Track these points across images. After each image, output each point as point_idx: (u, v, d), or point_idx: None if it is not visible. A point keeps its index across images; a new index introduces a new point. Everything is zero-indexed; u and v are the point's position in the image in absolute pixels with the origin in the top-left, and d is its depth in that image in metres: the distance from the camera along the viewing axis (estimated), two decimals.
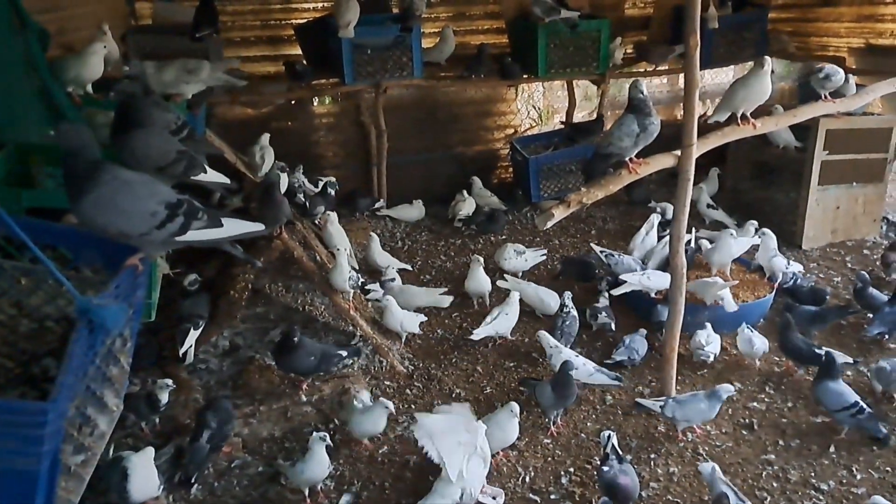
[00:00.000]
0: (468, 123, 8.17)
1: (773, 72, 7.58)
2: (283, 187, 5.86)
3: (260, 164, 5.90)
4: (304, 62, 6.94)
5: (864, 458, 3.88)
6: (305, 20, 7.29)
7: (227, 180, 3.47)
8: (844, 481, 3.73)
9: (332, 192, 6.56)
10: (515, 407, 3.86)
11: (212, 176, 3.28)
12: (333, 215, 6.03)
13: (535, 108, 8.74)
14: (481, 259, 5.52)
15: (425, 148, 7.98)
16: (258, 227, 2.54)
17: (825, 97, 5.17)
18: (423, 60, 6.99)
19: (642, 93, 3.85)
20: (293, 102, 7.63)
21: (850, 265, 6.02)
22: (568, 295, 5.00)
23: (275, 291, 5.59)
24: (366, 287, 5.40)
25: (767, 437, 4.09)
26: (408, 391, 4.71)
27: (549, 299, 5.28)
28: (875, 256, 6.05)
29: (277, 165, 6.07)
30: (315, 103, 7.88)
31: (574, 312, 4.93)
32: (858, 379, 4.52)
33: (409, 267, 6.20)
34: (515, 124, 8.42)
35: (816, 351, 4.43)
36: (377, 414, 4.03)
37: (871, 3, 6.95)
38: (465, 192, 7.26)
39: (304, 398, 4.55)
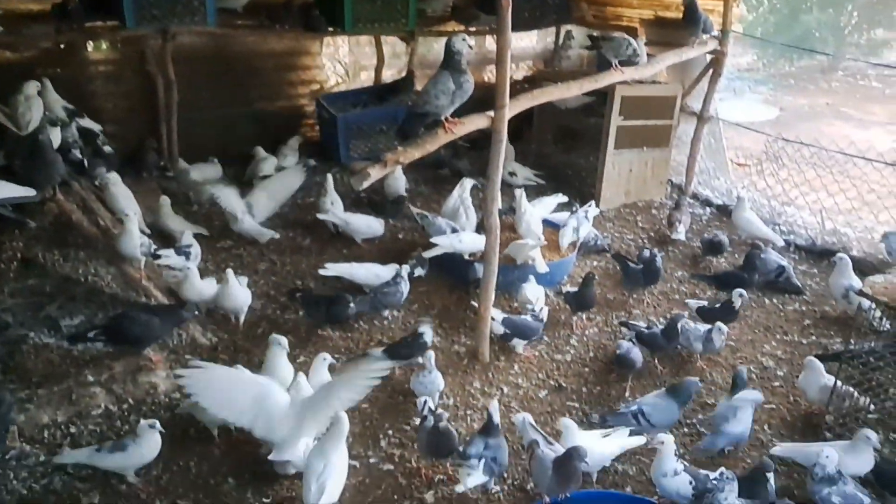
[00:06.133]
0: (269, 77, 7.94)
1: (572, 38, 8.26)
2: (56, 142, 5.36)
3: (26, 116, 5.31)
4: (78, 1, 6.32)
5: None
6: None
7: None
8: None
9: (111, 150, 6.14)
10: (327, 356, 4.06)
11: None
12: (114, 176, 5.62)
13: (341, 64, 8.68)
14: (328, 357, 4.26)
15: (222, 103, 7.65)
16: (28, 191, 2.35)
17: (615, 66, 5.71)
18: (218, 6, 6.70)
19: (470, 46, 4.01)
20: (62, 46, 6.93)
21: (640, 224, 6.75)
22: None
23: (50, 261, 5.11)
24: (158, 253, 5.16)
25: (572, 386, 4.55)
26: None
27: (383, 273, 5.26)
28: (661, 216, 6.84)
29: (48, 117, 5.50)
30: (90, 48, 7.22)
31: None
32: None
33: (205, 231, 5.96)
34: (321, 80, 8.33)
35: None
36: None
37: None
38: (262, 151, 7.10)
39: (90, 378, 4.27)
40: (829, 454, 3.46)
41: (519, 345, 4.78)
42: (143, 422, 3.64)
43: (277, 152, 7.25)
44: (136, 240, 4.94)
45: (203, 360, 4.52)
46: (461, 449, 3.64)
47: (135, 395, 4.22)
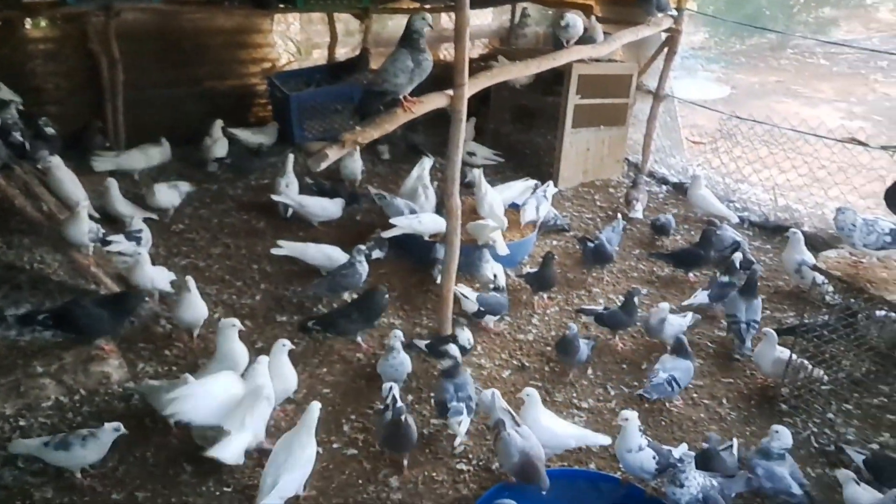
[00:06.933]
0: (219, 55, 7.75)
1: (528, 16, 8.24)
2: None
3: None
4: None
5: (615, 377, 4.52)
6: None
7: None
8: (601, 398, 4.32)
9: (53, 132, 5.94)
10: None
11: None
12: (57, 159, 5.44)
13: (293, 42, 8.52)
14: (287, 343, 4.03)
15: (169, 82, 7.45)
16: None
17: (566, 43, 5.70)
18: None
19: (430, 26, 3.96)
20: None
21: (598, 203, 6.81)
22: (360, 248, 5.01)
23: None
24: (107, 239, 5.02)
25: (535, 365, 4.58)
26: (166, 352, 4.50)
27: (336, 255, 5.21)
28: (619, 195, 6.90)
29: None
30: (29, 26, 6.94)
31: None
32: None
33: (155, 216, 5.82)
34: (273, 58, 8.16)
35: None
36: None
37: None
38: (215, 132, 6.92)
39: (39, 369, 4.14)
40: (778, 430, 3.55)
41: (490, 321, 4.81)
42: (106, 425, 3.53)
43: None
44: (84, 226, 4.80)
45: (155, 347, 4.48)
46: (441, 397, 3.80)
47: (86, 386, 4.11)
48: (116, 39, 6.69)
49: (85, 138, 6.51)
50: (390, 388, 3.76)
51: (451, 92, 4.12)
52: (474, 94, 4.42)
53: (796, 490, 3.43)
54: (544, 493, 3.37)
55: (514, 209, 5.90)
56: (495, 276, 4.96)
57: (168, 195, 5.90)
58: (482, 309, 4.74)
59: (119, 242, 5.07)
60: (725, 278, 5.06)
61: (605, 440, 3.77)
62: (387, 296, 4.75)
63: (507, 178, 6.54)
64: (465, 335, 4.40)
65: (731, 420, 4.20)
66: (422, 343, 4.40)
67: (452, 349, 4.04)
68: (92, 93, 6.98)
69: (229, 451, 3.42)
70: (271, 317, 4.88)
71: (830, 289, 4.51)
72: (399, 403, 3.66)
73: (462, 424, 3.75)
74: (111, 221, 5.50)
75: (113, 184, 5.64)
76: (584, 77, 6.57)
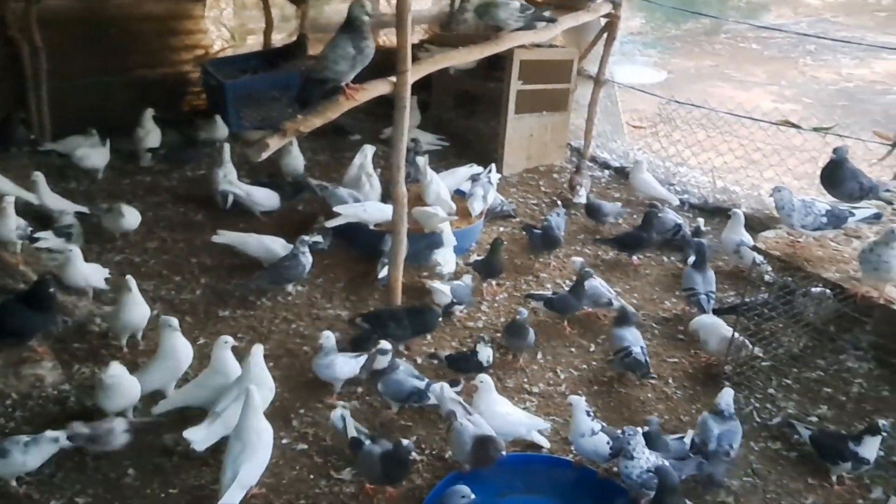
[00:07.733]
0: (149, 43, 7.53)
1: (468, 1, 8.21)
2: None
3: None
4: None
5: (564, 360, 4.57)
6: None
7: None
8: (551, 382, 4.37)
9: None
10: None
11: None
12: None
13: (226, 28, 8.32)
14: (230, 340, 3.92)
15: (97, 70, 7.19)
16: None
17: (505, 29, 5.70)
18: None
19: (368, 14, 3.89)
20: None
21: (543, 189, 6.87)
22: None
23: None
24: (35, 236, 4.86)
25: None
26: (103, 351, 4.36)
27: (274, 246, 5.12)
28: (563, 180, 6.97)
29: None
30: None
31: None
32: None
33: (87, 210, 5.61)
34: (206, 44, 7.96)
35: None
36: None
37: None
38: (146, 122, 6.67)
39: None
40: (723, 392, 3.72)
41: (457, 309, 4.85)
42: (47, 433, 3.38)
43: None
44: (12, 222, 4.61)
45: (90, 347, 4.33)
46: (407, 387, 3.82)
47: (19, 390, 3.97)
48: (38, 26, 6.42)
49: (6, 131, 6.24)
50: (341, 416, 3.63)
51: (394, 78, 4.09)
52: (416, 80, 4.41)
53: (711, 445, 3.55)
54: (501, 455, 3.40)
55: (457, 195, 5.90)
56: (446, 262, 4.96)
57: (136, 216, 5.53)
58: (454, 301, 4.75)
59: (48, 238, 4.90)
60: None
61: (546, 444, 3.80)
62: (440, 319, 4.60)
63: (450, 165, 6.53)
64: (486, 352, 4.22)
65: (678, 399, 4.30)
66: (442, 355, 4.34)
67: (385, 344, 3.89)
68: (13, 82, 6.68)
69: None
70: (213, 312, 4.77)
71: (769, 268, 4.66)
72: (365, 436, 3.54)
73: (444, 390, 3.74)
74: (40, 217, 5.29)
75: (39, 177, 5.42)
76: (525, 63, 6.60)
